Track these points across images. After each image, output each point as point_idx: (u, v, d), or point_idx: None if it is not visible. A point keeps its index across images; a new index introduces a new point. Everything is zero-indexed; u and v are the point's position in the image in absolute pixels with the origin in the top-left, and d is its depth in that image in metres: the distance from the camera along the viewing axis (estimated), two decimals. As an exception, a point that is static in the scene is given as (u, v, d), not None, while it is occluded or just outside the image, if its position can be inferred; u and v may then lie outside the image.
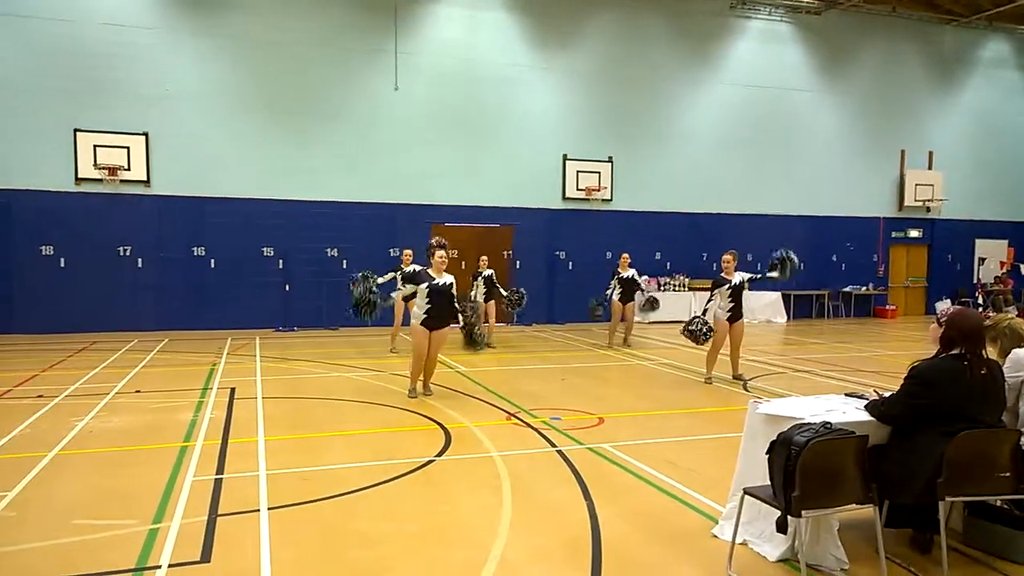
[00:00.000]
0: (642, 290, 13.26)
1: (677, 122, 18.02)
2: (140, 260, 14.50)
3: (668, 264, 17.96)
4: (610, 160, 17.34)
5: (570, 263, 17.22)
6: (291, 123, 15.22)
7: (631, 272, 12.69)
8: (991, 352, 4.29)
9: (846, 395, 4.49)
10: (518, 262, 16.92)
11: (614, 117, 17.39)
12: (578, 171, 17.11)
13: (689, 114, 18.13)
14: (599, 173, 17.20)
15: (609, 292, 12.77)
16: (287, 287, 15.26)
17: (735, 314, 9.21)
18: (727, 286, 9.20)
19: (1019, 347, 4.17)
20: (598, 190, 17.14)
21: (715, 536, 4.20)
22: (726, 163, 18.31)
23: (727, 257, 9.36)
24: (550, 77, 16.91)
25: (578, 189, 17.09)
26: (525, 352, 12.31)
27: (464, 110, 16.22)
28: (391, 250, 15.79)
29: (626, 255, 12.93)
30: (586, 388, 9.02)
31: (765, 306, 18.23)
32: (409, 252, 11.54)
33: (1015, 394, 4.03)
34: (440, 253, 8.13)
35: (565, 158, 17.05)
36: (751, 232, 18.66)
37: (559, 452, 5.98)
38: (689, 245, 18.15)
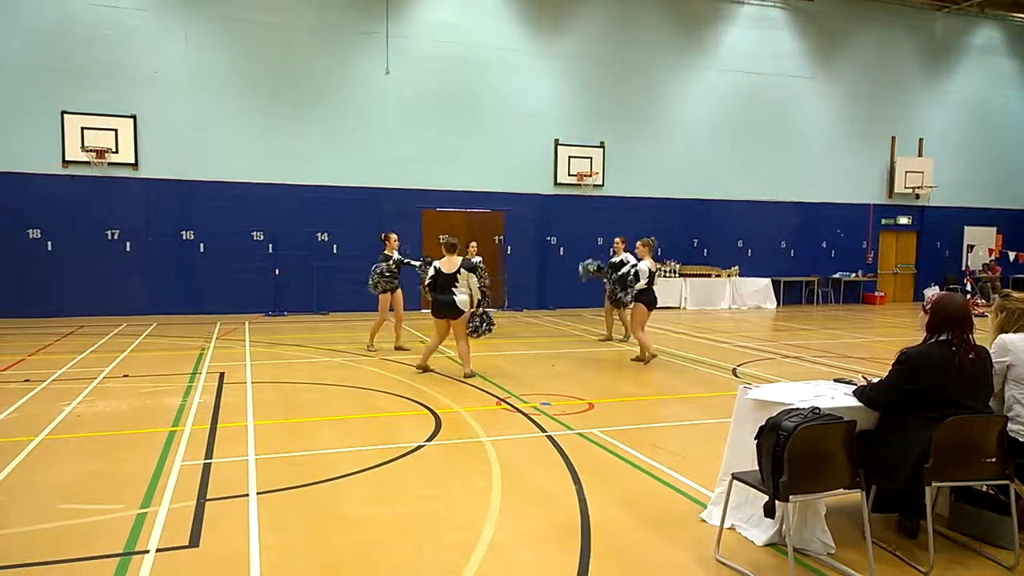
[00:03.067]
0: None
1: (669, 108, 17.97)
2: (128, 244, 14.39)
3: (659, 250, 17.91)
4: (602, 145, 17.29)
5: (561, 248, 17.21)
6: (281, 107, 15.09)
7: (622, 256, 12.04)
8: (990, 322, 4.30)
9: (835, 381, 4.50)
10: (509, 248, 16.89)
11: (606, 102, 17.33)
12: (570, 156, 17.06)
13: (681, 100, 18.08)
14: (591, 158, 17.17)
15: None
16: (277, 271, 15.19)
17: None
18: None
19: (1003, 332, 4.18)
20: (590, 175, 17.10)
21: (703, 521, 4.22)
22: (718, 149, 18.30)
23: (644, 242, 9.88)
24: (542, 61, 16.82)
25: (570, 174, 17.05)
26: (515, 338, 12.31)
27: (456, 94, 16.12)
28: (381, 235, 15.70)
29: (619, 239, 12.17)
30: (576, 374, 9.03)
31: (755, 292, 18.30)
32: (394, 236, 11.06)
33: (1001, 379, 4.05)
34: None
35: (557, 143, 17.00)
36: (742, 218, 18.74)
37: (549, 437, 5.99)
38: (680, 231, 18.18)
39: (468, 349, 8.68)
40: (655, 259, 9.62)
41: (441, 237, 8.91)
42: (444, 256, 8.56)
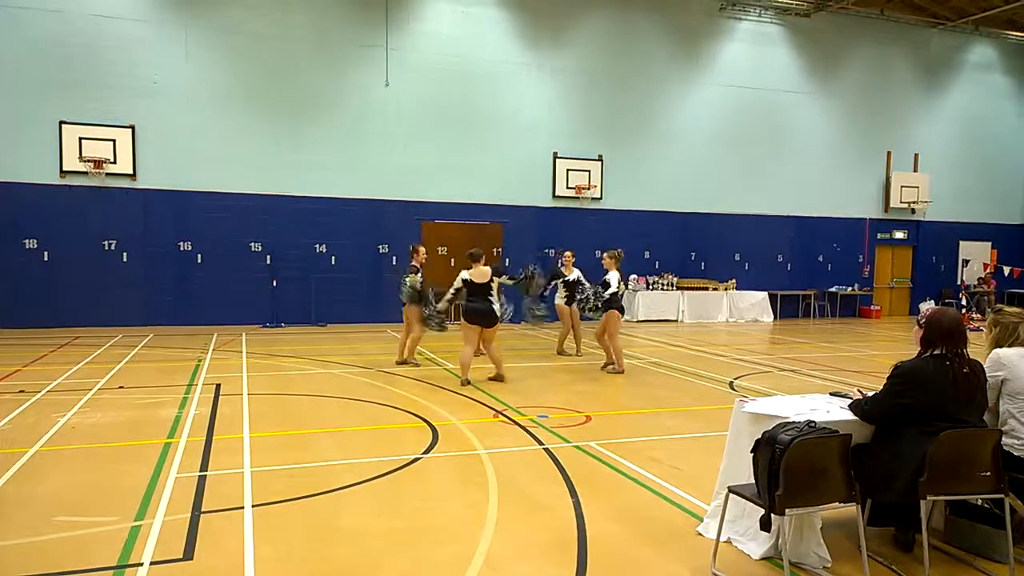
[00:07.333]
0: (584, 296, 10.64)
1: (667, 121, 18.06)
2: (125, 254, 14.38)
3: (657, 263, 18.02)
4: (600, 159, 17.36)
5: (559, 261, 17.20)
6: (280, 118, 15.13)
7: (576, 274, 11.17)
8: (985, 337, 4.32)
9: (830, 394, 4.52)
10: (508, 260, 16.90)
11: (604, 116, 17.41)
12: (568, 169, 17.12)
13: (679, 114, 18.18)
14: (589, 171, 17.23)
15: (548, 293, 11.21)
16: (274, 283, 15.18)
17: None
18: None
19: (998, 346, 4.19)
20: (588, 188, 17.16)
21: (700, 534, 4.22)
22: (715, 163, 18.39)
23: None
24: (541, 75, 16.90)
25: (568, 187, 17.11)
26: (513, 350, 12.30)
27: (455, 107, 16.19)
28: (380, 247, 15.80)
29: (569, 253, 11.56)
30: (573, 386, 9.02)
31: (752, 306, 18.32)
32: (423, 249, 10.62)
33: (995, 393, 4.06)
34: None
35: (555, 156, 17.06)
36: (739, 232, 18.79)
37: (546, 450, 5.99)
38: (678, 244, 18.24)
39: (499, 352, 9.04)
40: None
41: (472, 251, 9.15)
42: (472, 267, 8.81)
